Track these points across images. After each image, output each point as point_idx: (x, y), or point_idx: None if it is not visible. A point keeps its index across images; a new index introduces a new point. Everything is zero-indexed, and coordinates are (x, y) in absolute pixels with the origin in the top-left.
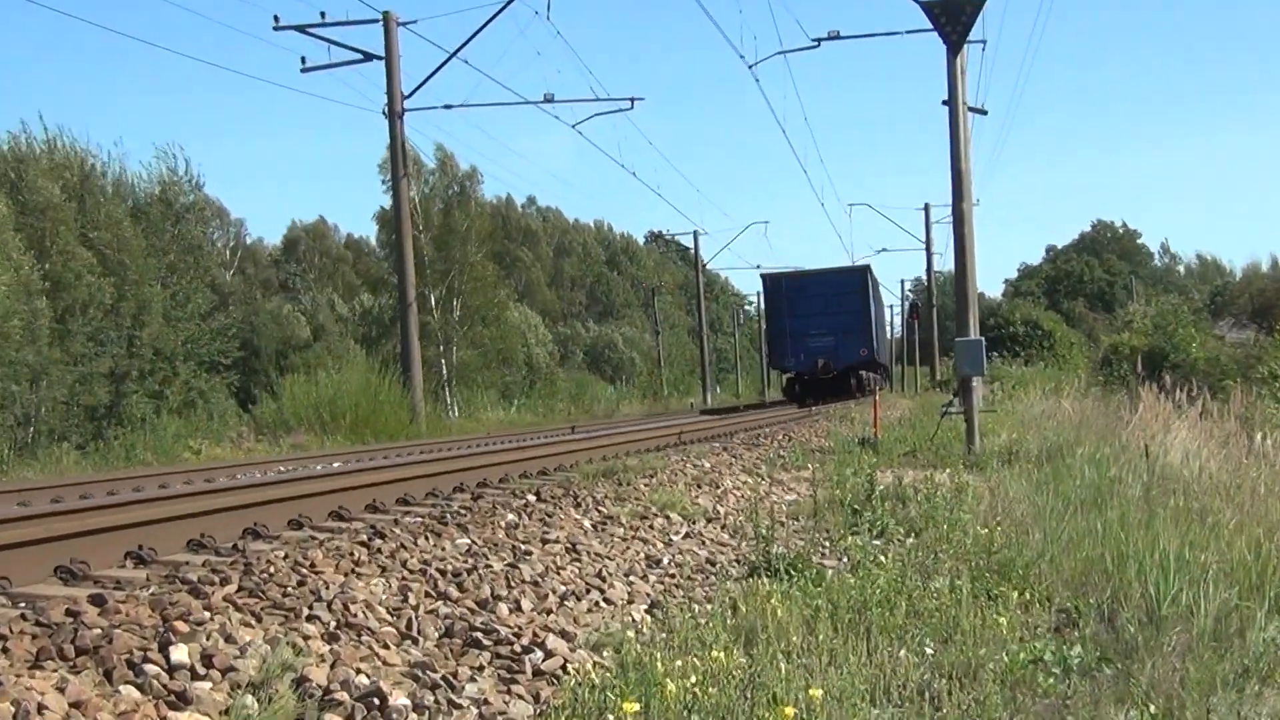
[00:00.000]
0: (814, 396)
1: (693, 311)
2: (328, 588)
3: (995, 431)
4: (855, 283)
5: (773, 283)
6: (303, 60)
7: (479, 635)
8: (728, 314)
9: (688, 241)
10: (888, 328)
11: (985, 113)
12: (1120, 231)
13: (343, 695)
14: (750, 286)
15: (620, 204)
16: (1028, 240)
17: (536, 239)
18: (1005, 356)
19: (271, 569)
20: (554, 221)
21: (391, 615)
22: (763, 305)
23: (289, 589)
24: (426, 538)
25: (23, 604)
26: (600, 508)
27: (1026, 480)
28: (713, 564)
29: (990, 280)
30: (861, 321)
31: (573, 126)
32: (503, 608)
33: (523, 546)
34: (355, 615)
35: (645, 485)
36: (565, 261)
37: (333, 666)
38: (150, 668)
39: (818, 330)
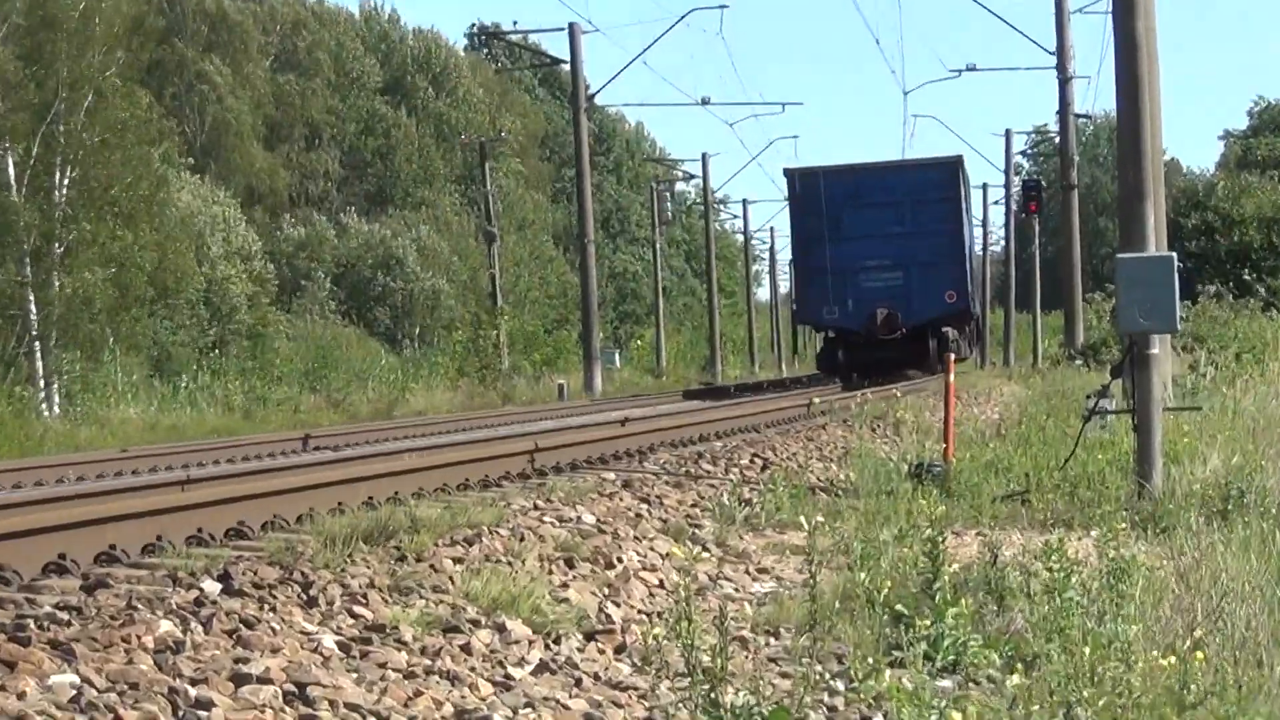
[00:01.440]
0: (868, 370)
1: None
2: None
3: (1195, 452)
4: (940, 183)
5: (806, 182)
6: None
7: None
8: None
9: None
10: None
11: None
12: None
13: None
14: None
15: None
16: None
17: (237, 36)
18: (1222, 294)
19: None
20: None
21: None
22: (791, 222)
23: None
24: None
25: None
26: (358, 607)
27: (1258, 555)
28: None
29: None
30: (949, 247)
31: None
32: None
33: (191, 690)
34: None
35: (455, 560)
36: (294, 83)
37: None
38: None
39: (878, 260)
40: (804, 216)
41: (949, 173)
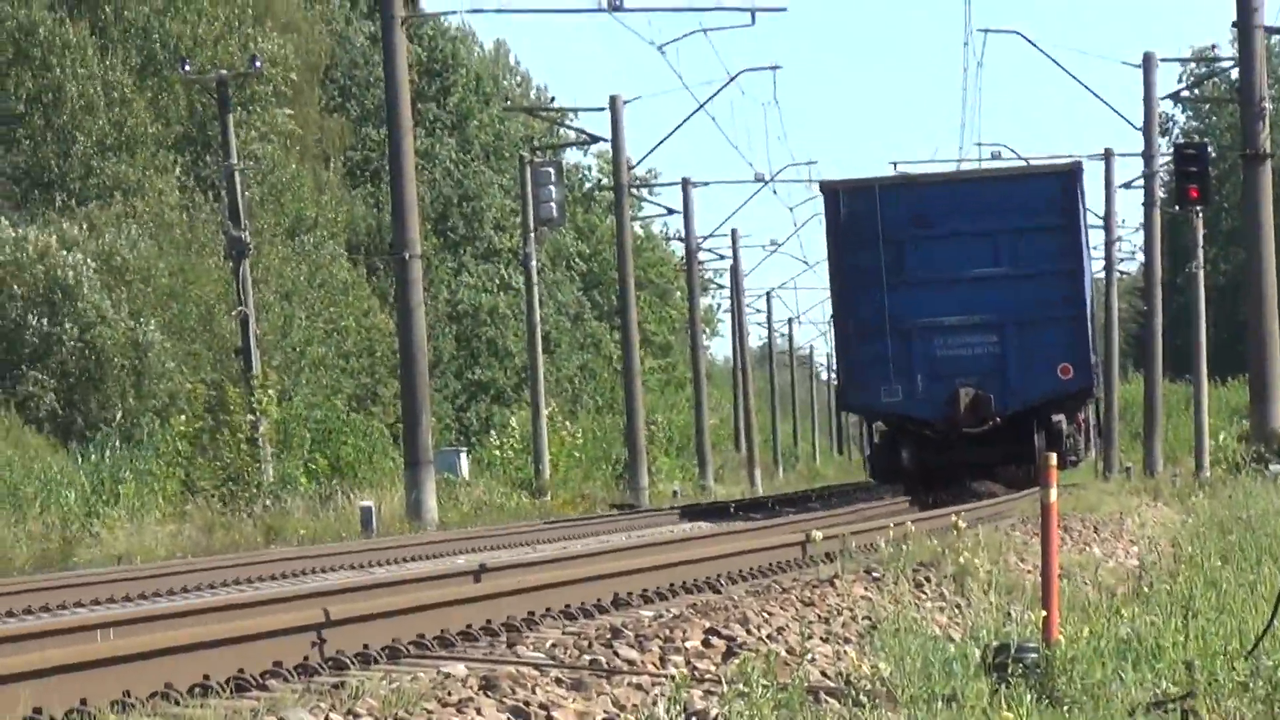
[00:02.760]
0: (943, 478)
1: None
2: None
3: None
4: (1051, 202)
5: (854, 201)
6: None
7: None
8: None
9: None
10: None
11: None
12: None
13: None
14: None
15: None
16: None
17: None
18: None
19: None
20: None
21: None
22: (829, 259)
23: None
24: None
25: None
26: None
27: None
28: None
29: None
30: (1065, 297)
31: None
32: None
33: None
34: None
35: None
36: None
37: None
38: None
39: (960, 316)
40: (849, 250)
41: (1062, 186)
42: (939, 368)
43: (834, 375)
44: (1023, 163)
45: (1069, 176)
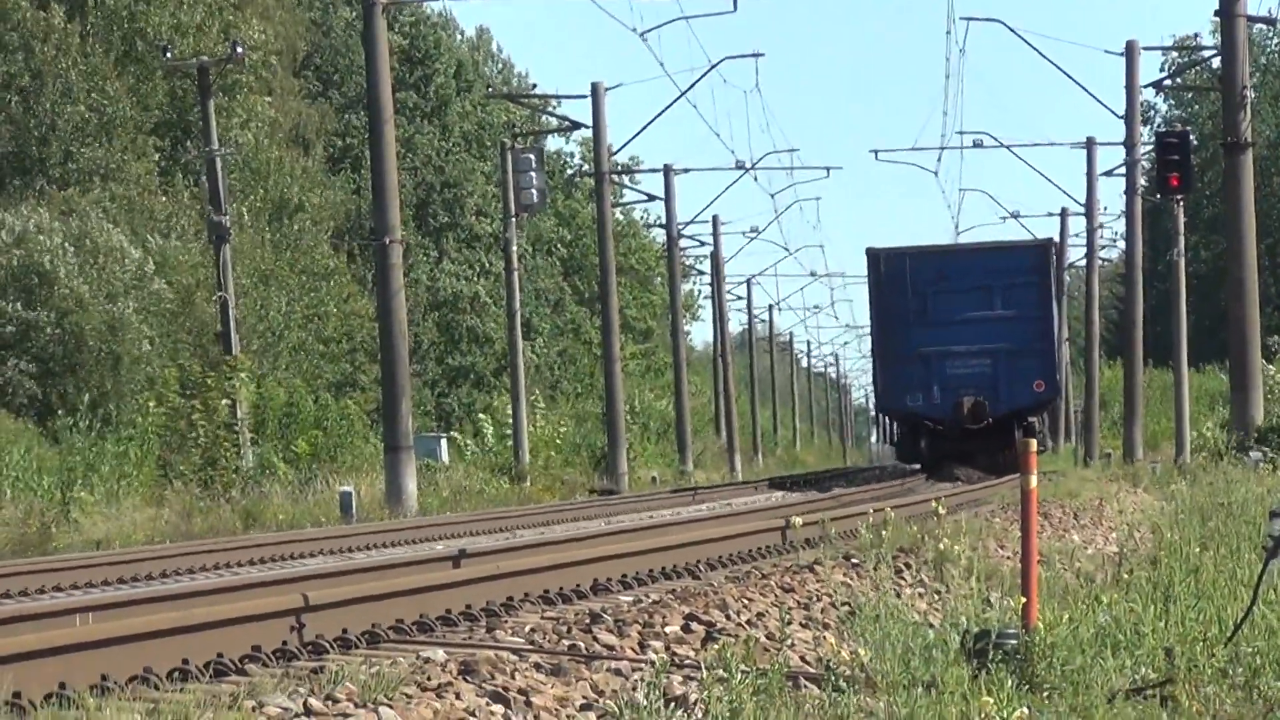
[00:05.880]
0: (952, 460)
1: None
2: None
3: None
4: (1030, 266)
5: (891, 263)
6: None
7: None
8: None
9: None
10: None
11: None
12: None
13: None
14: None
15: None
16: None
17: None
18: None
19: None
20: None
21: None
22: (870, 304)
23: None
24: None
25: None
26: None
27: None
28: None
29: None
30: (1039, 334)
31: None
32: None
33: None
34: None
35: None
36: None
37: None
38: None
39: (965, 346)
40: (888, 299)
41: (1039, 256)
42: (949, 382)
43: (871, 385)
44: (1011, 238)
45: (1044, 249)
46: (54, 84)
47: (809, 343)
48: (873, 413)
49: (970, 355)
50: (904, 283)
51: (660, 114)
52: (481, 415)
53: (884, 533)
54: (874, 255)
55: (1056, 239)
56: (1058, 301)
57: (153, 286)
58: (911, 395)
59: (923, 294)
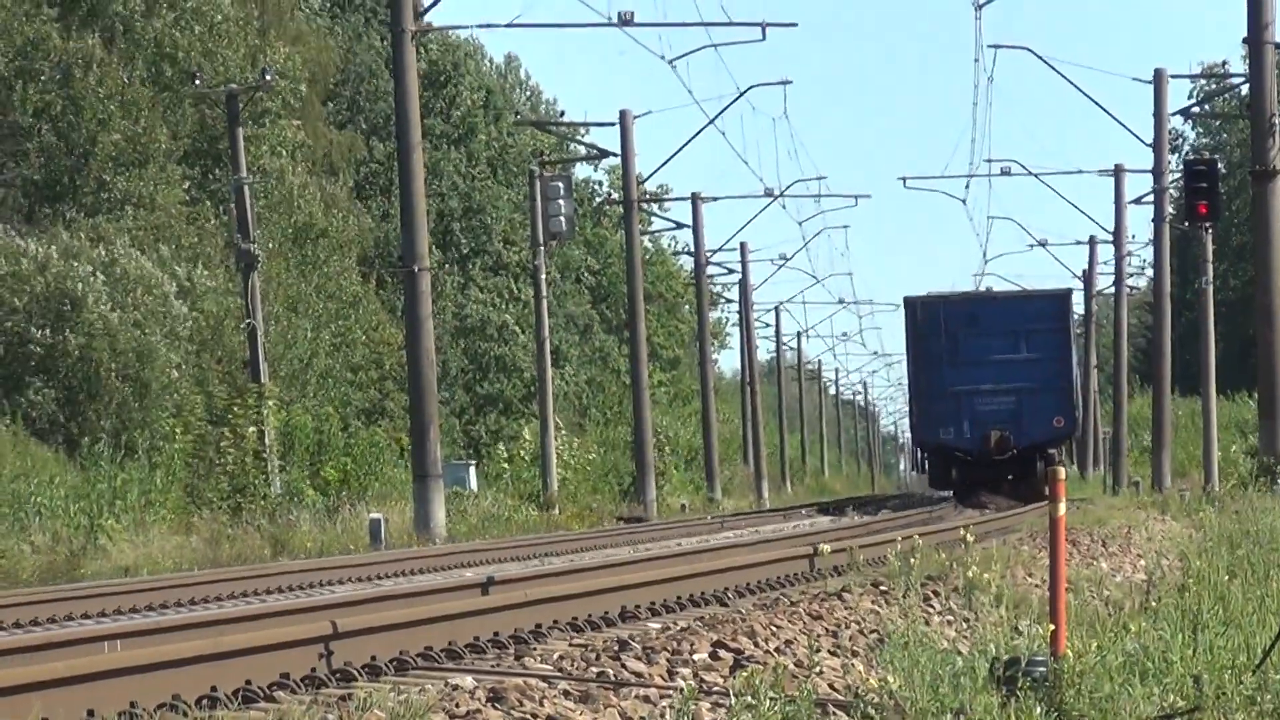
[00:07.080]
0: (980, 487)
1: None
2: None
3: None
4: (1052, 313)
5: (926, 310)
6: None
7: None
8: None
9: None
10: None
11: None
12: None
13: None
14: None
15: None
16: None
17: None
18: None
19: None
20: None
21: None
22: (907, 347)
23: None
24: None
25: None
26: None
27: None
28: None
29: None
30: (1058, 374)
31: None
32: None
33: None
34: None
35: None
36: None
37: None
38: None
39: (993, 384)
40: (924, 341)
41: (1059, 305)
42: (978, 417)
43: (908, 419)
44: (1032, 287)
45: (1063, 298)
46: (91, 112)
47: (837, 370)
48: (900, 441)
49: (997, 393)
50: (938, 327)
51: (689, 141)
52: (500, 447)
53: (912, 560)
54: (911, 303)
55: (1080, 283)
56: (1074, 345)
57: (181, 313)
58: (944, 429)
59: (955, 337)
